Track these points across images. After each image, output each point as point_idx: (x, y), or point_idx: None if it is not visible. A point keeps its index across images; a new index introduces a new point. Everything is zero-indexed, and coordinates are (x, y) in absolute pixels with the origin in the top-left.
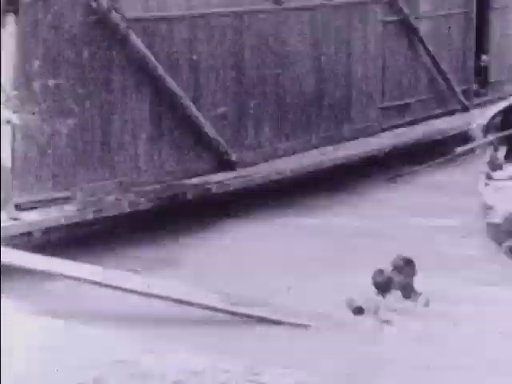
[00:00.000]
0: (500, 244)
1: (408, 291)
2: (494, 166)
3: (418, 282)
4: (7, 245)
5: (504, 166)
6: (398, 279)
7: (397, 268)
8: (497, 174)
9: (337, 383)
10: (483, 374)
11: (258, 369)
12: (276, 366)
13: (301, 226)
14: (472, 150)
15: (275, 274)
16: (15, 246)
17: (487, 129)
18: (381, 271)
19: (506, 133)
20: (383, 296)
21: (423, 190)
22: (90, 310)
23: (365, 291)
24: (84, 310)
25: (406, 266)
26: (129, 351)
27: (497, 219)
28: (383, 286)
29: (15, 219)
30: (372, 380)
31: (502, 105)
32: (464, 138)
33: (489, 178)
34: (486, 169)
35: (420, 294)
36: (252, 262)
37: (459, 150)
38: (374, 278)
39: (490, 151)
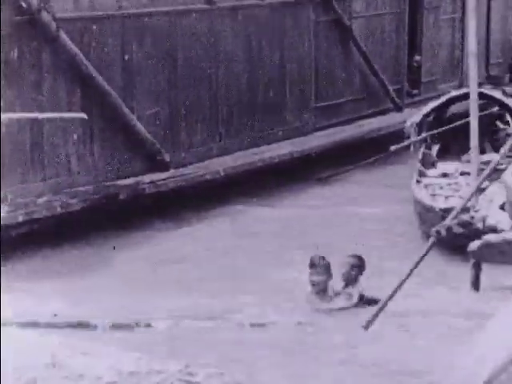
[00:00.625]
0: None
1: (350, 283)
2: (427, 163)
3: None
4: None
5: (437, 163)
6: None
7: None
8: (429, 172)
9: None
10: None
11: (192, 369)
12: (209, 367)
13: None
14: (406, 148)
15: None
16: None
17: (420, 127)
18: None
19: (438, 130)
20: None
21: (356, 187)
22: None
23: None
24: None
25: (352, 259)
26: (62, 353)
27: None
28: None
29: None
30: None
31: (434, 103)
32: (397, 136)
33: (421, 175)
34: (419, 166)
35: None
36: (187, 265)
37: (393, 148)
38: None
39: (423, 149)
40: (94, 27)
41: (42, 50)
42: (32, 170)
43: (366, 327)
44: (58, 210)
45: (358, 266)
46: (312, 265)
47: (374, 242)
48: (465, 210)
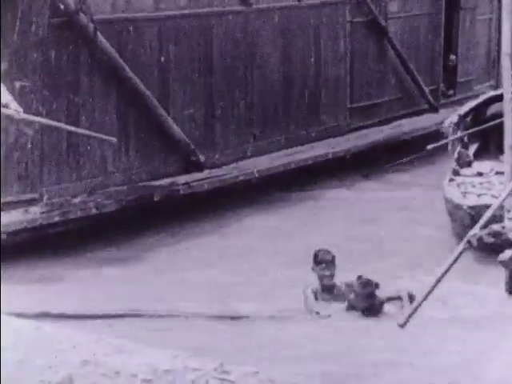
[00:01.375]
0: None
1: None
2: (462, 162)
3: None
4: None
5: (473, 163)
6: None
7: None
8: (464, 171)
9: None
10: None
11: (228, 367)
12: (245, 365)
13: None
14: (443, 148)
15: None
16: None
17: (458, 127)
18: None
19: (475, 129)
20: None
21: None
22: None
23: None
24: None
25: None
26: (98, 351)
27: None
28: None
29: None
30: None
31: (473, 103)
32: (433, 137)
33: (455, 174)
34: (454, 165)
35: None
36: (222, 266)
37: (430, 147)
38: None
39: (459, 148)
40: (131, 29)
41: (80, 52)
42: (67, 170)
43: (403, 326)
44: (93, 210)
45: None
46: (317, 260)
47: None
48: (498, 218)
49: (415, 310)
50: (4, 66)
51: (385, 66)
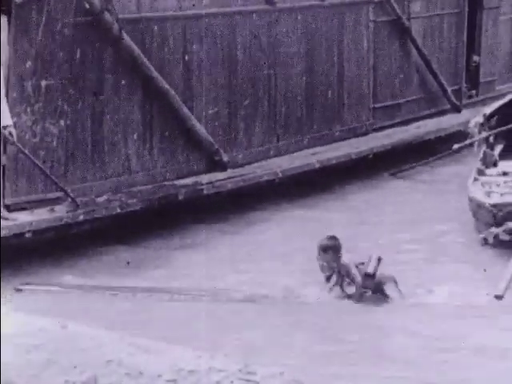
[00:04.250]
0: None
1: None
2: (488, 162)
3: None
4: None
5: (498, 163)
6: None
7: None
8: (489, 171)
9: None
10: None
11: (253, 368)
12: (270, 366)
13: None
14: (469, 148)
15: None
16: (6, 248)
17: (483, 127)
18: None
19: (501, 129)
20: None
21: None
22: (81, 310)
23: None
24: (76, 310)
25: (329, 249)
26: (122, 350)
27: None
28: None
29: (6, 220)
30: None
31: (498, 103)
32: (456, 138)
33: (481, 173)
34: (479, 165)
35: None
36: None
37: (456, 147)
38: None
39: (484, 148)
40: (156, 28)
41: (104, 51)
42: (92, 168)
43: (500, 297)
44: (118, 209)
45: (332, 246)
46: (324, 249)
47: None
48: None
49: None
50: (29, 64)
51: (408, 65)
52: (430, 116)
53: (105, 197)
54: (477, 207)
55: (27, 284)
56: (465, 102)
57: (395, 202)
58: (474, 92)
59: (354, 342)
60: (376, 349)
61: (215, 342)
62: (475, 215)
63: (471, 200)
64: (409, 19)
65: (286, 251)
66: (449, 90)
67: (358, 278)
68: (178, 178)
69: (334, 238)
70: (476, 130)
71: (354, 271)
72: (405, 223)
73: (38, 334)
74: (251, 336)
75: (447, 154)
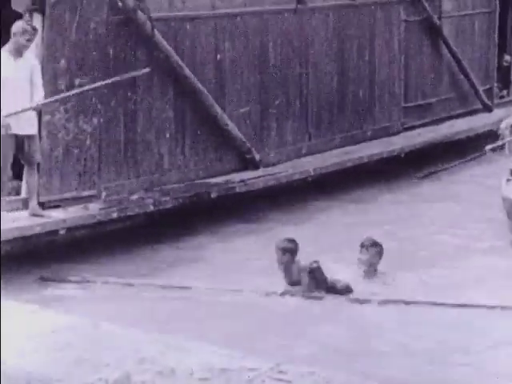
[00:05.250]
0: None
1: (370, 272)
2: None
3: None
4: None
5: None
6: (363, 257)
7: (364, 247)
8: None
9: None
10: None
11: (284, 367)
12: (301, 365)
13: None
14: (501, 149)
15: None
16: (40, 245)
17: None
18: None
19: None
20: None
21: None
22: (114, 308)
23: None
24: (109, 308)
25: (372, 247)
26: (155, 348)
27: None
28: None
29: (41, 217)
30: None
31: None
32: (487, 138)
33: None
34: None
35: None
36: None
37: (489, 148)
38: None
39: None
40: (188, 27)
41: (137, 50)
42: (125, 167)
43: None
44: (151, 207)
45: (290, 249)
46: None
47: None
48: None
49: None
50: (62, 63)
51: (439, 64)
52: (461, 115)
53: (138, 195)
54: (510, 206)
55: (58, 280)
56: (496, 101)
57: (427, 203)
58: (505, 92)
59: None
60: None
61: (248, 341)
62: (509, 214)
63: (505, 199)
64: (440, 18)
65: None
66: (480, 89)
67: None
68: (210, 176)
69: (292, 240)
70: (507, 132)
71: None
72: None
73: (71, 332)
74: (283, 334)
75: (479, 155)
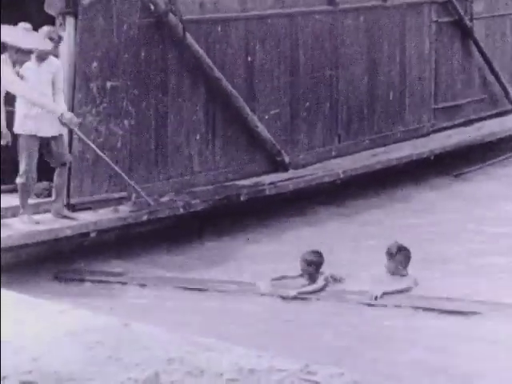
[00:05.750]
0: None
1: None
2: None
3: None
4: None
5: None
6: (388, 264)
7: (388, 254)
8: None
9: None
10: None
11: (313, 368)
12: (330, 366)
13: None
14: None
15: None
16: (71, 247)
17: None
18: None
19: None
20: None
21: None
22: (144, 309)
23: None
24: (139, 308)
25: (398, 253)
26: (184, 349)
27: None
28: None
29: (67, 218)
30: None
31: None
32: None
33: None
34: None
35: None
36: None
37: None
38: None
39: None
40: (219, 29)
41: (168, 52)
42: (156, 169)
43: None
44: (181, 210)
45: (315, 262)
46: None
47: None
48: None
49: None
50: (94, 65)
51: (469, 66)
52: (492, 117)
53: (168, 197)
54: None
55: (89, 281)
56: None
57: (459, 205)
58: None
59: None
60: None
61: (277, 341)
62: None
63: None
64: (471, 20)
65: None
66: (511, 91)
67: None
68: (240, 178)
69: (317, 252)
70: None
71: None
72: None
73: (101, 331)
74: (313, 335)
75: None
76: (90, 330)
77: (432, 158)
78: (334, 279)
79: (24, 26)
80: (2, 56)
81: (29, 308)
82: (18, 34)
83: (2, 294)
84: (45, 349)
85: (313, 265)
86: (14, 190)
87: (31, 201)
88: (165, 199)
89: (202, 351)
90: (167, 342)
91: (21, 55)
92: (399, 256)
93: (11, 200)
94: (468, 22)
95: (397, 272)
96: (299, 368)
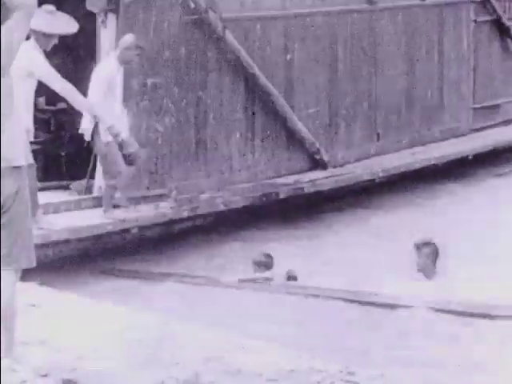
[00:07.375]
0: None
1: (428, 272)
2: None
3: None
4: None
5: None
6: (418, 259)
7: (417, 248)
8: None
9: None
10: None
11: (353, 369)
12: (369, 367)
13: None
14: None
15: None
16: (111, 243)
17: None
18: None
19: None
20: None
21: None
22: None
23: None
24: (179, 307)
25: (425, 248)
26: (223, 348)
27: None
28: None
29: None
30: None
31: None
32: None
33: None
34: None
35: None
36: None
37: None
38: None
39: None
40: (258, 27)
41: (208, 50)
42: (196, 166)
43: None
44: (221, 206)
45: (265, 263)
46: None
47: None
48: None
49: None
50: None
51: (508, 66)
52: None
53: (208, 194)
54: None
55: (132, 277)
56: None
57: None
58: None
59: None
60: None
61: (318, 342)
62: None
63: None
64: (509, 19)
65: None
66: None
67: None
68: (279, 176)
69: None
70: None
71: None
72: None
73: (142, 330)
74: (353, 337)
75: None
76: (130, 328)
77: (471, 157)
78: (289, 276)
79: (46, 8)
80: (31, 41)
81: (70, 306)
82: (41, 17)
83: (44, 292)
84: (86, 347)
85: (262, 266)
86: (56, 187)
87: (74, 198)
88: (205, 196)
89: (240, 350)
90: (205, 340)
91: (47, 39)
92: (425, 250)
93: (52, 196)
94: (506, 21)
95: (425, 266)
96: (339, 369)
